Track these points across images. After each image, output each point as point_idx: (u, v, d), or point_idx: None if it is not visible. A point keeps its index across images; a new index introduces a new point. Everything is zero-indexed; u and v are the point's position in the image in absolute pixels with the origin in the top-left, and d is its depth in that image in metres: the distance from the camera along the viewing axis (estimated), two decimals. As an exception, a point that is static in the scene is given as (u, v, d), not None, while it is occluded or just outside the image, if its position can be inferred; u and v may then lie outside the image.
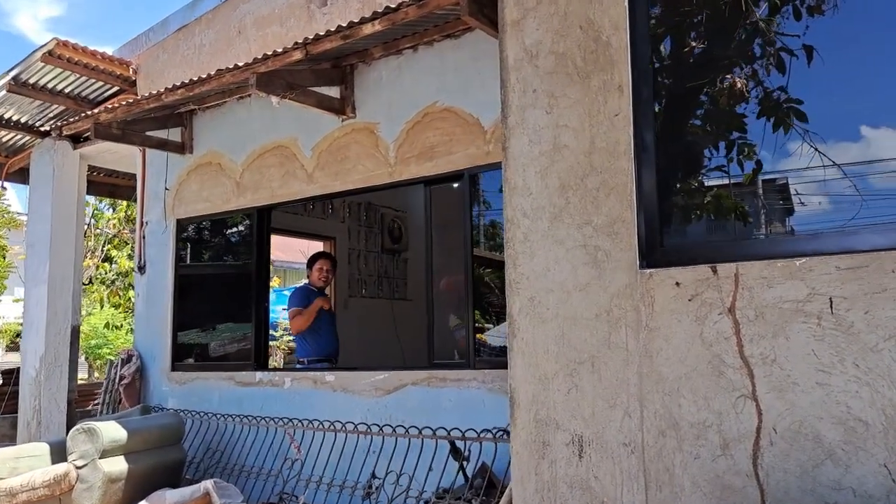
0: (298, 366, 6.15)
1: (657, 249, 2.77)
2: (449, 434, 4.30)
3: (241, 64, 5.05)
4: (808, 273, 2.44)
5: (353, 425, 4.91)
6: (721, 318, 2.59)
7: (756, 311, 2.52)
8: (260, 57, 4.82)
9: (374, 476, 4.68)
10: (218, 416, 6.01)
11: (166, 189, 6.98)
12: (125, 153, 7.95)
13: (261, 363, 6.21)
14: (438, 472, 4.33)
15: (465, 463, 4.38)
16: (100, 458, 4.86)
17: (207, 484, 4.86)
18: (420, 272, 10.06)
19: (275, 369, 6.14)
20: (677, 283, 2.69)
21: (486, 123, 4.98)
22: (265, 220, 6.37)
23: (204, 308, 6.77)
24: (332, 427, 5.01)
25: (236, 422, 5.81)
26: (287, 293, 9.49)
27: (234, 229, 6.68)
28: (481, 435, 4.16)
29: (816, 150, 2.58)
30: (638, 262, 2.78)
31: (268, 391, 5.97)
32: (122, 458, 5.00)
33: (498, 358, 4.92)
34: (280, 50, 4.75)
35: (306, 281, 6.66)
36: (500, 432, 4.08)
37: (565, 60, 3.04)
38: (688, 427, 2.63)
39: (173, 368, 6.76)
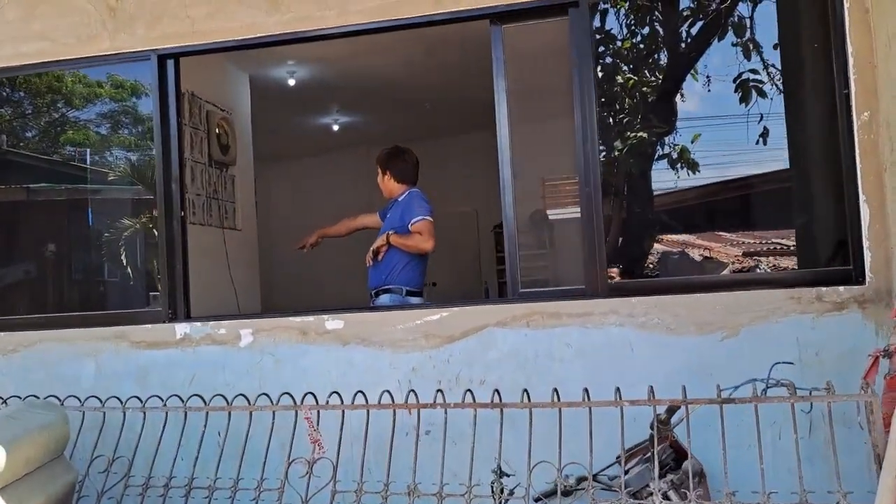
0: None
1: None
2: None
3: None
4: None
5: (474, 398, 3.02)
6: None
7: None
8: None
9: (501, 473, 2.92)
10: (119, 403, 3.49)
11: (-49, 13, 3.94)
12: None
13: (180, 311, 3.79)
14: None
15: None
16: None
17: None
18: (250, 194, 7.83)
19: (214, 317, 3.72)
20: None
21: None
22: (174, 76, 3.86)
23: (41, 225, 4.00)
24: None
25: (156, 410, 3.39)
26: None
27: (105, 92, 4.00)
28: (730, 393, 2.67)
29: None
30: None
31: (203, 353, 3.65)
32: None
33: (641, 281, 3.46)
34: None
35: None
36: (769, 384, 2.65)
37: None
38: None
39: (-22, 327, 3.91)
